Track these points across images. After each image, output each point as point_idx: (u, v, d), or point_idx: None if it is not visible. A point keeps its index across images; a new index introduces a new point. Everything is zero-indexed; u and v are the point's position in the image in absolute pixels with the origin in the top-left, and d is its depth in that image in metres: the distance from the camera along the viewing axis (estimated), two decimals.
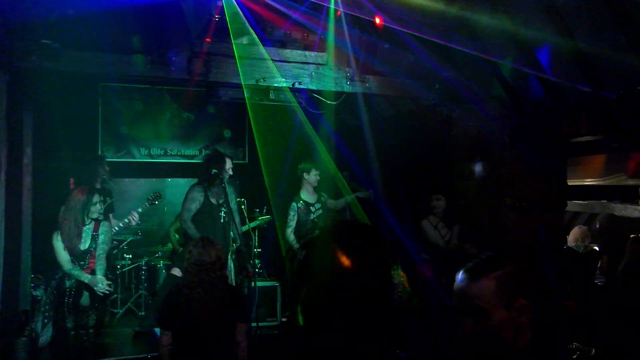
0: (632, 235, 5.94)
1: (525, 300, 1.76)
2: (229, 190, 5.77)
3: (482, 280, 1.75)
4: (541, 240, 5.43)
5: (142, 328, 6.00)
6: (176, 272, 5.95)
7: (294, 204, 6.18)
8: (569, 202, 6.19)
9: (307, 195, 6.21)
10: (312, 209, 6.17)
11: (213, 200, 5.71)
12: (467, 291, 1.76)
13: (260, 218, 6.56)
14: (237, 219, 6.00)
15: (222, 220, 5.78)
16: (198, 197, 5.66)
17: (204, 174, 5.66)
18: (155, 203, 6.41)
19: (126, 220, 6.09)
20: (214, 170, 5.55)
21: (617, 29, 4.08)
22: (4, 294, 4.76)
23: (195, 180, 5.89)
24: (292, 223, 6.15)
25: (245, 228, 6.49)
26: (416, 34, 5.23)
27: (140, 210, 6.14)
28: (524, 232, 5.68)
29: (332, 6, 5.11)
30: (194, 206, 5.64)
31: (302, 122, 6.82)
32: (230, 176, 5.84)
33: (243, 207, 6.49)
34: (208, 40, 5.11)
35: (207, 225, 5.66)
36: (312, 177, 6.17)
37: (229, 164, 5.76)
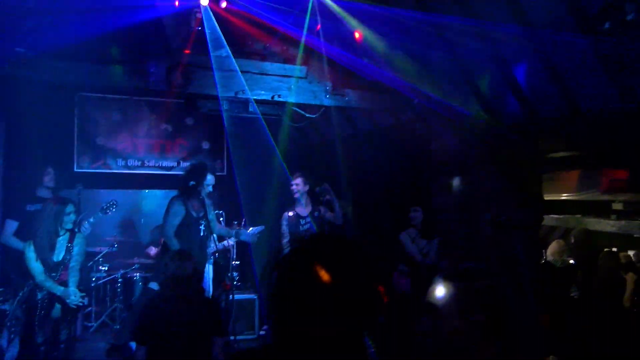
0: (605, 250, 6.06)
1: (483, 317, 1.79)
2: (207, 202, 5.72)
3: (445, 287, 1.81)
4: (518, 255, 5.48)
5: (117, 342, 5.89)
6: (154, 285, 5.87)
7: (285, 213, 6.18)
8: (545, 216, 6.27)
9: (300, 207, 6.20)
10: (302, 221, 6.15)
11: (193, 213, 5.65)
12: (432, 293, 1.81)
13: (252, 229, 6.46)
14: (216, 231, 5.94)
15: (201, 234, 5.73)
16: (180, 210, 5.57)
17: (183, 185, 5.60)
18: (109, 212, 6.30)
19: (76, 230, 5.94)
20: (192, 182, 5.49)
21: (590, 49, 4.17)
22: None
23: (174, 192, 5.82)
24: (286, 234, 6.14)
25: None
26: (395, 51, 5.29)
27: (92, 220, 6.01)
28: (501, 247, 5.72)
29: (307, 20, 5.12)
30: (177, 221, 5.56)
31: (280, 134, 6.83)
32: (209, 192, 5.77)
33: (222, 219, 6.45)
34: (187, 52, 5.09)
35: (187, 238, 5.60)
36: (292, 187, 6.16)
37: (210, 179, 5.70)
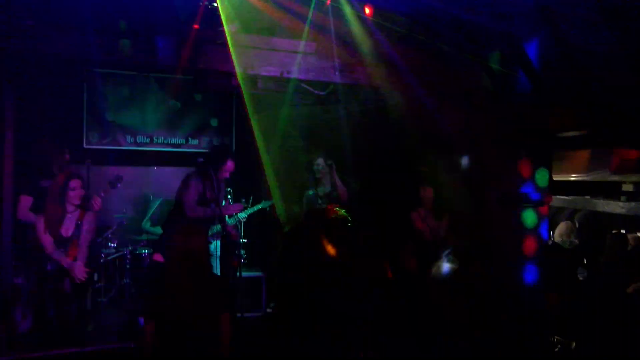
0: (613, 231, 6.03)
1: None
2: (221, 187, 5.81)
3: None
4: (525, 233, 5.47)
5: (126, 317, 5.97)
6: (158, 257, 5.95)
7: (306, 192, 6.36)
8: (553, 197, 6.23)
9: (322, 187, 6.32)
10: (320, 201, 6.23)
11: (207, 194, 5.73)
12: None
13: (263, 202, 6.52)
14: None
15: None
16: (198, 187, 5.65)
17: (202, 165, 5.63)
18: (117, 186, 6.32)
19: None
20: (210, 165, 5.53)
21: (606, 24, 4.10)
22: None
23: (183, 169, 5.86)
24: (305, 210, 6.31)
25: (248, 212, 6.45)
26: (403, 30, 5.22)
27: (102, 195, 6.04)
28: (509, 226, 5.71)
29: None
30: (196, 196, 5.67)
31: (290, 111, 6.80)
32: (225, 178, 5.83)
33: (229, 197, 6.46)
34: (196, 26, 5.04)
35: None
36: (314, 167, 6.27)
37: (230, 165, 5.73)
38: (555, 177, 6.02)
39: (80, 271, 5.08)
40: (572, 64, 4.52)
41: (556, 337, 5.22)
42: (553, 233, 6.78)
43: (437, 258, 5.80)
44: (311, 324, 1.32)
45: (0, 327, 5.12)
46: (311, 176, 6.39)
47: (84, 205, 5.28)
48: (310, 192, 6.37)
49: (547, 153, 5.66)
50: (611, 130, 5.14)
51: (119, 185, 6.27)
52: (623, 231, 6.13)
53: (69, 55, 4.96)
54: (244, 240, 6.88)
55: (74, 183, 5.12)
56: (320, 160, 6.30)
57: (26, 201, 5.59)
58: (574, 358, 5.02)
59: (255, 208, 6.29)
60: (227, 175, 5.82)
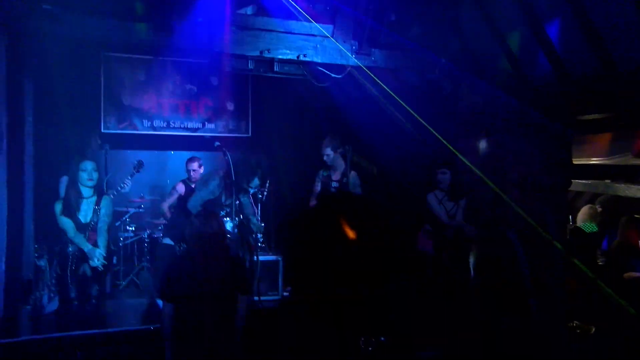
0: (625, 216, 5.94)
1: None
2: (243, 200, 6.06)
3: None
4: (546, 218, 5.40)
5: (145, 299, 6.05)
6: (167, 241, 6.02)
7: (320, 171, 6.45)
8: (572, 181, 6.14)
9: (333, 170, 6.38)
10: (333, 184, 6.27)
11: (223, 199, 5.88)
12: None
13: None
14: (245, 201, 6.09)
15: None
16: (216, 192, 5.77)
17: (231, 177, 5.72)
18: (139, 171, 6.42)
19: (119, 188, 6.12)
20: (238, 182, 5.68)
21: (628, 4, 3.99)
22: (8, 263, 4.77)
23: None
24: (316, 193, 6.43)
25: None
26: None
27: (129, 178, 6.18)
28: (528, 210, 5.64)
29: None
30: (208, 198, 5.78)
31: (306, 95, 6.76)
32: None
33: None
34: (212, 9, 5.01)
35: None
36: (324, 157, 6.27)
37: (255, 182, 5.81)
38: (575, 161, 5.92)
39: (98, 259, 5.14)
40: (594, 44, 4.41)
41: (575, 322, 5.18)
42: (572, 217, 6.69)
43: (455, 241, 5.78)
44: (326, 306, 1.31)
45: (25, 307, 5.23)
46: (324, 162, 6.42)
47: (100, 189, 5.33)
48: (325, 173, 6.40)
49: (567, 137, 5.57)
50: (634, 113, 5.02)
51: (141, 169, 6.41)
52: (637, 215, 6.04)
53: (86, 39, 4.96)
54: (261, 224, 6.91)
55: (85, 164, 5.16)
56: (328, 150, 6.28)
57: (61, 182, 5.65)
58: (593, 343, 4.98)
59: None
60: (252, 190, 6.02)
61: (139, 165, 6.44)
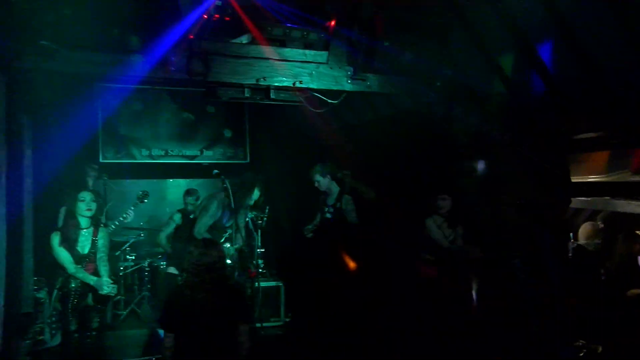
0: (621, 233, 5.92)
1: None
2: (242, 213, 6.12)
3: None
4: (544, 238, 5.39)
5: (146, 329, 6.01)
6: (172, 270, 6.00)
7: (321, 197, 6.50)
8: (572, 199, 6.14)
9: (328, 196, 6.43)
10: (326, 209, 6.29)
11: (224, 221, 5.91)
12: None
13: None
14: (242, 223, 6.08)
15: (221, 240, 5.95)
16: (217, 214, 5.84)
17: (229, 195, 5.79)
18: (144, 201, 6.42)
19: (121, 218, 6.12)
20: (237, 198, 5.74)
21: (617, 24, 4.05)
22: (7, 297, 4.74)
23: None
24: (315, 219, 6.41)
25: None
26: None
27: (132, 208, 6.18)
28: (525, 230, 5.64)
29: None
30: (211, 222, 5.83)
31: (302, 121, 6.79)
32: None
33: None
34: (206, 40, 5.08)
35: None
36: (315, 184, 6.31)
37: (256, 194, 5.92)
38: (574, 179, 5.93)
39: (108, 287, 5.12)
40: (587, 64, 4.46)
41: (581, 341, 5.12)
42: (573, 235, 6.67)
43: (455, 265, 5.77)
44: (330, 333, 1.30)
45: (24, 342, 5.18)
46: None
47: (96, 220, 5.32)
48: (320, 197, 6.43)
49: (563, 156, 5.59)
50: (630, 131, 5.05)
51: (145, 200, 6.41)
52: (637, 232, 6.03)
53: (82, 73, 5.01)
54: (261, 249, 6.89)
55: (84, 195, 5.17)
56: (317, 177, 6.34)
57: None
58: None
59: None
60: (251, 202, 6.06)
61: (144, 195, 6.44)
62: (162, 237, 6.58)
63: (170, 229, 6.57)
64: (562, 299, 5.25)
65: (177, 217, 6.60)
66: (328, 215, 6.24)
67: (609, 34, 4.17)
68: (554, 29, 4.54)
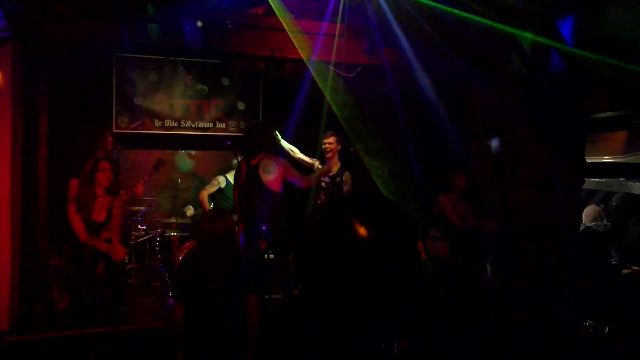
0: (635, 217, 5.88)
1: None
2: None
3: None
4: (559, 218, 5.36)
5: (156, 298, 6.09)
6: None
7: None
8: (585, 179, 6.09)
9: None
10: (325, 178, 6.18)
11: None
12: None
13: None
14: None
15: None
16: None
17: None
18: (159, 169, 6.44)
19: (135, 189, 6.15)
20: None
21: None
22: (22, 262, 4.83)
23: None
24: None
25: None
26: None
27: (146, 178, 6.19)
28: (540, 210, 5.60)
29: None
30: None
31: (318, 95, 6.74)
32: None
33: None
34: (223, 9, 5.03)
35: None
36: (324, 145, 6.22)
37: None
38: (589, 159, 5.86)
39: (121, 253, 5.19)
40: (608, 41, 4.36)
41: (588, 321, 5.13)
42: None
43: (467, 243, 5.75)
44: (342, 306, 1.30)
45: (39, 305, 5.29)
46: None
47: (113, 189, 5.35)
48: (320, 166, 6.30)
49: (579, 135, 5.52)
50: None
51: (160, 169, 6.43)
52: None
53: (98, 41, 5.01)
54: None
55: (104, 164, 5.20)
56: (332, 139, 6.17)
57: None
58: (607, 343, 4.94)
59: None
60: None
61: (159, 163, 6.46)
62: (205, 195, 6.89)
63: (213, 189, 6.92)
64: (576, 279, 5.24)
65: (222, 180, 6.90)
66: (324, 186, 6.20)
67: (633, 8, 4.07)
68: (575, 3, 4.44)
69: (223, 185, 6.88)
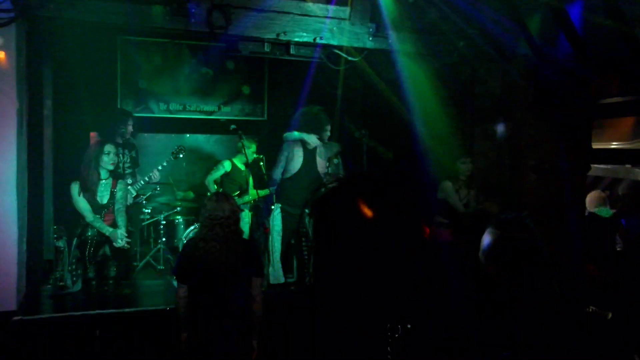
0: None
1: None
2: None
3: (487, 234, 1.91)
4: (565, 203, 5.34)
5: (161, 280, 6.13)
6: None
7: None
8: (592, 166, 6.06)
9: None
10: (327, 163, 6.17)
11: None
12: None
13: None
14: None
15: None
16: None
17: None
18: (179, 156, 6.44)
19: (147, 178, 6.16)
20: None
21: None
22: (29, 244, 4.86)
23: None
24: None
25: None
26: None
27: (165, 164, 6.21)
28: (545, 195, 5.59)
29: None
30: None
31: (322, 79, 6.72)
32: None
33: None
34: None
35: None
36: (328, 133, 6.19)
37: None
38: (595, 145, 5.83)
39: (122, 241, 5.21)
40: (617, 26, 4.31)
41: (592, 307, 5.13)
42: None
43: (472, 228, 5.74)
44: (348, 291, 1.29)
45: (46, 286, 5.34)
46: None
47: (117, 172, 5.37)
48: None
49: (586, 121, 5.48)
50: None
51: (181, 155, 6.40)
52: None
53: (103, 23, 4.97)
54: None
55: (109, 147, 5.20)
56: (328, 127, 6.09)
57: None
58: (610, 329, 4.93)
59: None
60: None
61: (179, 150, 6.42)
62: (210, 180, 6.72)
63: (218, 173, 6.72)
64: (582, 264, 5.23)
65: (227, 164, 6.75)
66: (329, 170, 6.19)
67: None
68: None
69: (229, 169, 6.80)
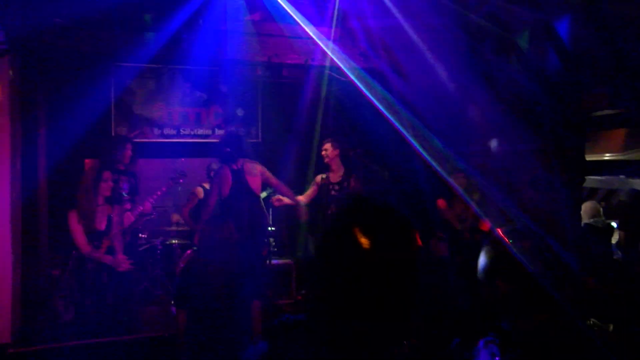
0: None
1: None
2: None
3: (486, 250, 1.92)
4: (560, 217, 5.35)
5: (159, 307, 6.07)
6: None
7: (318, 176, 6.26)
8: (586, 178, 6.08)
9: (332, 172, 6.21)
10: (331, 187, 6.15)
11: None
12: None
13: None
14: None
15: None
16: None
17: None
18: (179, 182, 6.36)
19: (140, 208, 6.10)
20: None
21: None
22: (23, 273, 4.83)
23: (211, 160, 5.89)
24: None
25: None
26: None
27: (164, 189, 6.15)
28: (540, 208, 5.59)
29: None
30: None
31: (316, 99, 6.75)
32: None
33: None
34: (220, 17, 5.05)
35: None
36: (322, 152, 6.17)
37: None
38: (589, 157, 5.85)
39: (125, 265, 5.18)
40: (606, 40, 4.37)
41: (592, 319, 5.10)
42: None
43: (466, 245, 5.74)
44: (351, 315, 1.28)
45: (41, 317, 5.28)
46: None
47: (114, 198, 5.34)
48: (323, 176, 6.23)
49: (578, 134, 5.51)
50: None
51: (181, 180, 6.30)
52: None
53: (97, 51, 5.02)
54: (272, 228, 6.91)
55: (106, 174, 5.20)
56: (328, 145, 6.14)
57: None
58: (611, 341, 4.91)
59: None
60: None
61: (180, 175, 6.29)
62: (186, 212, 6.55)
63: (193, 203, 6.54)
64: (580, 277, 5.21)
65: (199, 191, 6.58)
66: (335, 194, 6.17)
67: (630, 7, 4.07)
68: (573, 3, 4.44)
69: (202, 196, 6.58)
